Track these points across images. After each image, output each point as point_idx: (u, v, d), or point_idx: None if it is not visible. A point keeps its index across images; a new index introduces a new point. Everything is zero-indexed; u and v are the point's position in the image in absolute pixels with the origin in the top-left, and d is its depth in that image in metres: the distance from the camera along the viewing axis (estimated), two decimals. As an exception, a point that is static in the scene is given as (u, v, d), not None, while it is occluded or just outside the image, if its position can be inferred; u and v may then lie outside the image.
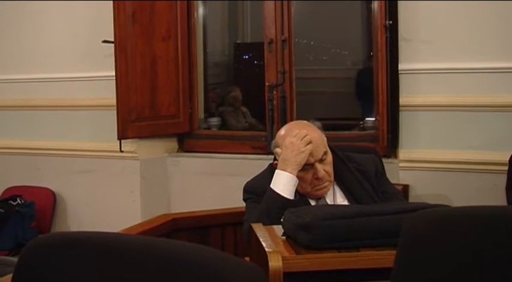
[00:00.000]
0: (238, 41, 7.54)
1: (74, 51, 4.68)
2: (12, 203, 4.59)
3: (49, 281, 1.42)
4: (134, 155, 4.47)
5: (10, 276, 1.50)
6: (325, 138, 2.75)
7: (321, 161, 2.67)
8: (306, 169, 2.65)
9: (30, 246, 1.48)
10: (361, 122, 4.68)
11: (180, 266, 1.33)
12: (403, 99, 3.86)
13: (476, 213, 1.52)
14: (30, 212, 4.61)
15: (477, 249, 1.45)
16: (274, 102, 4.29)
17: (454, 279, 1.46)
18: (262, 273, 1.38)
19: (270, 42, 4.34)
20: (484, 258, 1.44)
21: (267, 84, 4.33)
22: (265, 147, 4.22)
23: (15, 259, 1.52)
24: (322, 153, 2.67)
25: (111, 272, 1.37)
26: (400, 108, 3.88)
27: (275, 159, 2.77)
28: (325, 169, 2.67)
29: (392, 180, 3.10)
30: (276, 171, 2.66)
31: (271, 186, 2.62)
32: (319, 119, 3.98)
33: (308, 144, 2.63)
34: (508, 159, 3.36)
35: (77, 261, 1.41)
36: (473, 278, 1.45)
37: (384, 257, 1.93)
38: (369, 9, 5.12)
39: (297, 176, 2.62)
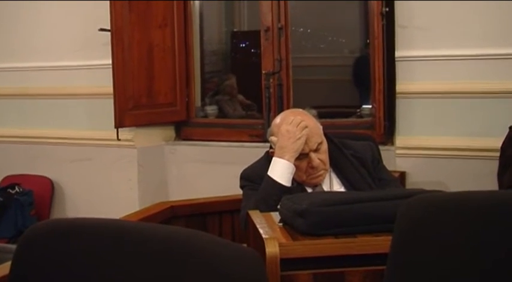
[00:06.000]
0: (235, 29, 7.52)
1: (71, 40, 4.67)
2: (10, 191, 4.60)
3: (47, 267, 1.43)
4: (131, 143, 4.47)
5: (9, 263, 1.50)
6: (321, 127, 2.75)
7: (316, 150, 2.68)
8: (301, 158, 2.66)
9: (28, 233, 1.48)
10: (358, 110, 4.68)
11: (179, 251, 1.34)
12: (400, 87, 3.86)
13: (470, 197, 1.53)
14: (29, 200, 4.62)
15: (472, 233, 1.46)
16: (271, 90, 4.30)
17: (450, 263, 1.47)
18: (260, 258, 1.39)
19: (267, 30, 4.34)
20: (479, 242, 1.45)
21: (263, 72, 4.33)
22: (262, 135, 4.23)
23: (15, 246, 1.53)
24: (317, 143, 2.67)
25: (111, 257, 1.38)
26: (397, 95, 3.88)
27: (271, 147, 2.78)
28: (320, 158, 2.67)
29: (389, 167, 3.11)
30: (274, 158, 2.66)
31: (269, 173, 2.63)
32: (316, 107, 4.00)
33: (304, 129, 2.64)
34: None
35: (76, 247, 1.41)
36: (468, 262, 1.46)
37: (381, 243, 1.93)
38: (366, -3, 5.11)
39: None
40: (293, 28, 4.68)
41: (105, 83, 4.32)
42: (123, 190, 4.51)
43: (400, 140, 3.90)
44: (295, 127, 2.64)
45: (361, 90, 6.21)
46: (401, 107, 3.88)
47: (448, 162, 3.77)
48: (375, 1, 3.89)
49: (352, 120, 4.58)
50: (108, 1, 4.13)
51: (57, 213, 4.80)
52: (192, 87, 4.67)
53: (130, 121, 4.33)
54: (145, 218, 3.03)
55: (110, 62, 4.20)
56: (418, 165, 3.83)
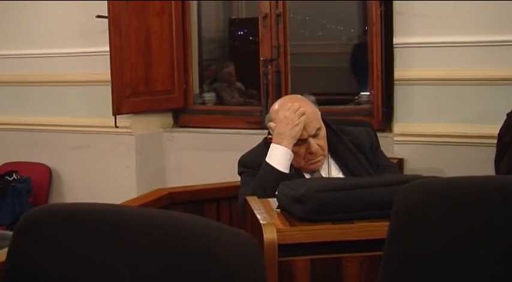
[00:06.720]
0: (233, 17, 7.50)
1: (68, 27, 4.66)
2: (8, 178, 4.61)
3: (44, 253, 1.43)
4: (129, 130, 4.47)
5: (6, 250, 1.50)
6: (319, 113, 2.75)
7: (315, 136, 2.68)
8: (300, 144, 2.66)
9: (25, 218, 1.48)
10: (356, 97, 4.68)
11: (177, 236, 1.34)
12: (398, 73, 3.85)
13: (467, 182, 1.53)
14: (26, 187, 4.62)
15: (468, 219, 1.46)
16: (269, 77, 4.29)
17: (446, 248, 1.47)
18: (256, 242, 1.39)
19: (265, 17, 4.32)
20: (477, 227, 1.46)
21: (261, 58, 4.33)
22: (260, 122, 4.23)
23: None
24: (315, 128, 2.68)
25: (109, 242, 1.38)
26: (395, 82, 3.87)
27: (269, 133, 2.78)
28: (318, 143, 2.68)
29: (387, 154, 3.10)
30: (271, 145, 2.66)
31: (267, 159, 2.63)
32: (314, 94, 3.98)
33: (302, 116, 2.64)
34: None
35: (73, 232, 1.41)
36: (464, 247, 1.46)
37: (378, 229, 1.94)
38: (364, -17, 5.10)
39: (291, 150, 2.63)
40: (291, 15, 4.66)
41: (103, 70, 4.31)
42: (121, 177, 4.51)
43: (398, 126, 3.90)
44: (293, 113, 2.64)
45: (359, 77, 6.20)
46: (400, 93, 3.88)
47: (446, 149, 3.77)
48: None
49: (350, 107, 4.57)
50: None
51: (55, 201, 4.80)
52: (189, 74, 4.65)
53: (128, 108, 4.32)
54: (143, 204, 3.03)
55: (108, 49, 4.19)
56: (416, 152, 3.83)
